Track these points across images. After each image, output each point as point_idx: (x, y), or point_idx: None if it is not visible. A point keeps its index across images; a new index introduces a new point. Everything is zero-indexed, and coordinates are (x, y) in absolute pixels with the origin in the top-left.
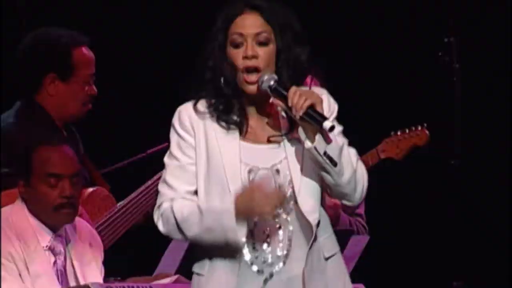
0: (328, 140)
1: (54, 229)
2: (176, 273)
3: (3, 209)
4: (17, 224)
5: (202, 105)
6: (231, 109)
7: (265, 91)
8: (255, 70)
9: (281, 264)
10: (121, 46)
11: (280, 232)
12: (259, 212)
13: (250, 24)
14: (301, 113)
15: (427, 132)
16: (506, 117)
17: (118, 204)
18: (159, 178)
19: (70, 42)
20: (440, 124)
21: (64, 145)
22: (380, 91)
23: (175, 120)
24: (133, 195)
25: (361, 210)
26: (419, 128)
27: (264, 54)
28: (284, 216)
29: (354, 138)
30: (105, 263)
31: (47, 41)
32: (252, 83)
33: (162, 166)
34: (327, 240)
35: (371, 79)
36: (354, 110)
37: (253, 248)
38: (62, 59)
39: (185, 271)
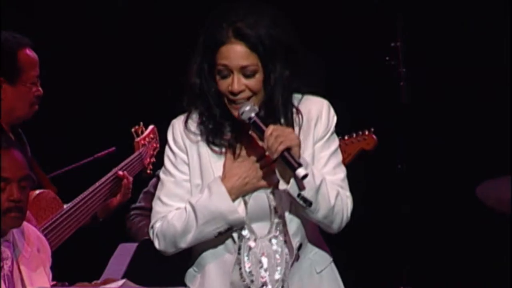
0: (301, 187)
1: (1, 233)
2: (123, 277)
3: None
4: None
5: (193, 121)
6: (222, 131)
7: (244, 121)
8: (243, 100)
9: (270, 286)
10: (67, 47)
11: (267, 254)
12: (250, 186)
13: (235, 56)
14: (275, 156)
15: (374, 136)
16: (452, 121)
17: (65, 206)
18: (107, 180)
19: (15, 45)
20: (387, 129)
21: (12, 149)
22: (327, 95)
23: (169, 135)
24: (80, 197)
25: None
26: (366, 132)
27: (251, 85)
28: (271, 238)
29: None
30: (52, 267)
31: None
32: (236, 110)
33: (108, 170)
34: (316, 255)
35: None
36: None
37: (241, 275)
38: (8, 63)
39: (132, 275)
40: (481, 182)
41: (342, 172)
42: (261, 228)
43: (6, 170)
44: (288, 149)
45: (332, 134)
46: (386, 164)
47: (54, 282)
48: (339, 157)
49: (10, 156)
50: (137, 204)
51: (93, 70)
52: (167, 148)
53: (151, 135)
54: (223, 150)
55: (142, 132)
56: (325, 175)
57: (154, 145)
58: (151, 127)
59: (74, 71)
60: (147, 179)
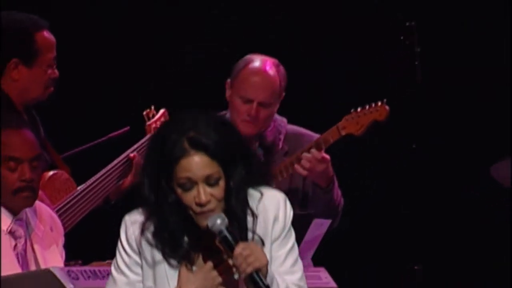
0: None
1: (14, 212)
2: None
3: None
4: None
5: (148, 229)
6: (179, 243)
7: (214, 233)
8: (210, 211)
9: None
10: (83, 28)
11: None
12: None
13: (198, 167)
14: (242, 276)
15: (386, 107)
16: (466, 100)
17: (78, 188)
18: (120, 162)
19: (32, 27)
20: (401, 107)
21: (24, 129)
22: (343, 72)
23: (122, 234)
24: (93, 178)
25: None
26: (379, 103)
27: (217, 194)
28: None
29: (316, 115)
30: (66, 247)
31: (9, 27)
32: (204, 220)
33: (123, 150)
34: None
35: (335, 59)
36: (316, 89)
37: None
38: (25, 44)
39: None
40: (496, 161)
41: (299, 271)
42: None
43: (17, 149)
44: (256, 270)
45: (288, 230)
46: (401, 143)
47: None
48: (295, 253)
49: (21, 136)
50: None
51: (106, 52)
52: (119, 245)
53: (162, 119)
54: (179, 261)
55: (154, 116)
56: (283, 275)
57: None
58: (162, 110)
59: (88, 53)
60: None
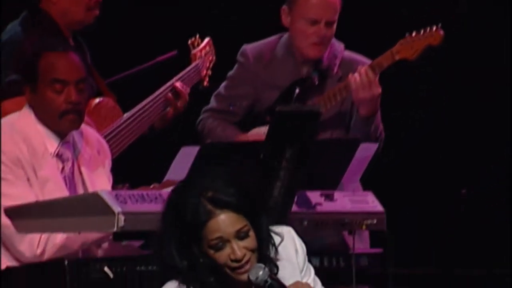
0: None
1: (61, 135)
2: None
3: (10, 116)
4: (25, 130)
5: None
6: None
7: (258, 285)
8: (246, 264)
9: None
10: None
11: None
12: None
13: (226, 225)
14: None
15: (441, 32)
16: None
17: (125, 115)
18: (165, 90)
19: None
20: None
21: (70, 52)
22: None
23: None
24: (138, 106)
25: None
26: (434, 28)
27: (250, 245)
28: None
29: (370, 40)
30: (113, 171)
31: None
32: (243, 274)
33: (171, 76)
34: None
35: None
36: (371, 13)
37: None
38: None
39: None
40: None
41: None
42: None
43: (63, 72)
44: None
45: (306, 257)
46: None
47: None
48: (316, 279)
49: (67, 59)
50: (208, 106)
51: None
52: None
53: (207, 48)
54: None
55: (198, 45)
56: None
57: (210, 57)
58: (207, 39)
59: None
60: (204, 92)
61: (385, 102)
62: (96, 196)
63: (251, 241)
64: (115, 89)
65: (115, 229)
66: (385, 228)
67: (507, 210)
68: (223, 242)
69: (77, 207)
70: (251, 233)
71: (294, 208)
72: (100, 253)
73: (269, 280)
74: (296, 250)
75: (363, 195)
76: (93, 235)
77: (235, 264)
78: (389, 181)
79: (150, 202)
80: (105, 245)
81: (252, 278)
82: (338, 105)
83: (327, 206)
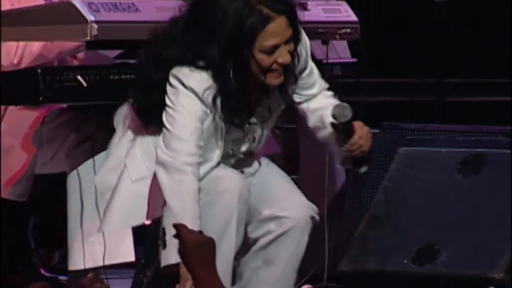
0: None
1: None
2: None
3: None
4: None
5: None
6: (243, 105)
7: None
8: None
9: None
10: None
11: None
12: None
13: (281, 31)
14: (355, 153)
15: None
16: None
17: None
18: None
19: None
20: None
21: None
22: None
23: (194, 84)
24: None
25: None
26: None
27: (290, 51)
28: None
29: None
30: None
31: None
32: (278, 79)
33: None
34: None
35: None
36: None
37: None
38: None
39: None
40: None
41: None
42: None
43: None
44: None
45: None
46: None
47: None
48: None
49: None
50: None
51: None
52: (189, 95)
53: None
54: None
55: None
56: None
57: None
58: None
59: None
60: None
61: None
62: (69, 5)
63: (291, 47)
64: None
65: (88, 38)
66: (358, 37)
67: None
68: (276, 46)
69: (51, 16)
70: (292, 43)
71: None
72: (75, 63)
73: (348, 118)
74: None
75: (337, 4)
76: (69, 44)
77: (278, 68)
78: None
79: (123, 11)
80: (81, 55)
81: (336, 114)
82: None
83: (300, 16)
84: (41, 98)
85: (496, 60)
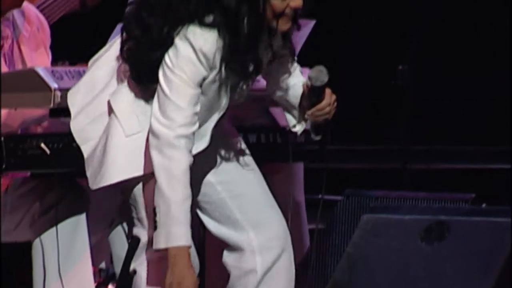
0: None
1: (0, 13)
2: None
3: None
4: None
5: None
6: (257, 54)
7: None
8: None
9: None
10: None
11: None
12: None
13: None
14: (318, 119)
15: None
16: None
17: None
18: None
19: None
20: None
21: None
22: None
23: (202, 44)
24: None
25: None
26: None
27: None
28: None
29: None
30: (52, 49)
31: None
32: (288, 24)
33: None
34: None
35: None
36: None
37: None
38: None
39: None
40: None
41: None
42: None
43: None
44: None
45: None
46: None
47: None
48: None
49: None
50: None
51: None
52: (194, 56)
53: None
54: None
55: None
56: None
57: None
58: None
59: None
60: None
61: None
62: (32, 72)
63: None
64: None
65: (51, 105)
66: None
67: None
68: None
69: (14, 83)
70: None
71: None
72: (39, 130)
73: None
74: None
75: None
76: (33, 113)
77: (290, 13)
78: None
79: None
80: (45, 123)
81: (312, 78)
82: None
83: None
84: (4, 166)
85: (461, 127)
